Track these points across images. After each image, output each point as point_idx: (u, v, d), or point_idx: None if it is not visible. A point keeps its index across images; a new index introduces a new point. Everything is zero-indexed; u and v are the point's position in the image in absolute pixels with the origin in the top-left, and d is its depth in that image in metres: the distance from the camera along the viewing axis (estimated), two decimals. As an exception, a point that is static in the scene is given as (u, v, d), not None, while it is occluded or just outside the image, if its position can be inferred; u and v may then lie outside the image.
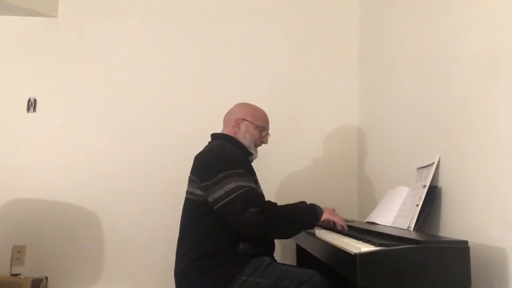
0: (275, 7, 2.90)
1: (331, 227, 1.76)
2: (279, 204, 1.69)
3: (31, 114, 2.73)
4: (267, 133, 1.98)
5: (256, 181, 1.82)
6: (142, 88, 2.79)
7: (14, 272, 2.55)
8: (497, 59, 1.38)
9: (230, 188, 1.61)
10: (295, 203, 1.75)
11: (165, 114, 2.77)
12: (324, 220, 1.71)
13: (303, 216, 1.67)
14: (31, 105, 2.74)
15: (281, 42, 2.88)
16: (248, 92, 2.70)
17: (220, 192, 1.62)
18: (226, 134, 1.92)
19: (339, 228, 1.72)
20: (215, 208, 1.64)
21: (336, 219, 1.72)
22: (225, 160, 1.71)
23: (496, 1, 1.41)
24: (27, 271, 2.55)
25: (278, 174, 2.77)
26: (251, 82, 2.82)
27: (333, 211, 1.76)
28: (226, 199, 1.60)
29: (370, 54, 2.69)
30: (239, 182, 1.62)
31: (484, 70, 1.45)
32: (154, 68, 2.82)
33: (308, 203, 1.77)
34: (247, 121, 1.91)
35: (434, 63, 1.80)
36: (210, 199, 1.66)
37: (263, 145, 1.98)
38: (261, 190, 1.85)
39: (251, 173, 1.80)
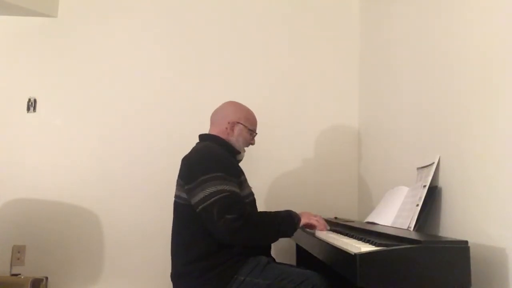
0: (274, 6, 2.90)
1: (315, 230, 1.75)
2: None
3: (31, 114, 2.73)
4: (255, 134, 1.96)
5: (242, 182, 1.77)
6: (142, 88, 2.79)
7: (14, 272, 2.55)
8: (497, 59, 1.38)
9: (209, 192, 1.58)
10: (273, 211, 1.73)
11: (166, 114, 2.77)
12: (305, 225, 1.72)
13: (280, 224, 1.65)
14: (31, 105, 2.74)
15: (281, 42, 2.87)
16: (247, 92, 2.70)
17: (200, 195, 1.60)
18: (214, 135, 1.86)
19: (321, 229, 1.72)
20: (197, 211, 1.62)
21: (315, 222, 1.72)
22: (207, 163, 1.67)
23: (496, 1, 1.41)
24: (27, 271, 2.55)
25: (278, 174, 2.77)
26: (250, 82, 2.81)
27: (310, 214, 1.76)
28: (204, 204, 1.58)
29: (370, 54, 2.69)
30: (218, 186, 1.59)
31: (484, 70, 1.44)
32: (154, 68, 2.82)
33: (293, 210, 1.74)
34: (242, 124, 1.87)
35: (434, 63, 1.80)
36: (192, 202, 1.64)
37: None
38: (249, 189, 1.82)
39: (238, 173, 1.75)
